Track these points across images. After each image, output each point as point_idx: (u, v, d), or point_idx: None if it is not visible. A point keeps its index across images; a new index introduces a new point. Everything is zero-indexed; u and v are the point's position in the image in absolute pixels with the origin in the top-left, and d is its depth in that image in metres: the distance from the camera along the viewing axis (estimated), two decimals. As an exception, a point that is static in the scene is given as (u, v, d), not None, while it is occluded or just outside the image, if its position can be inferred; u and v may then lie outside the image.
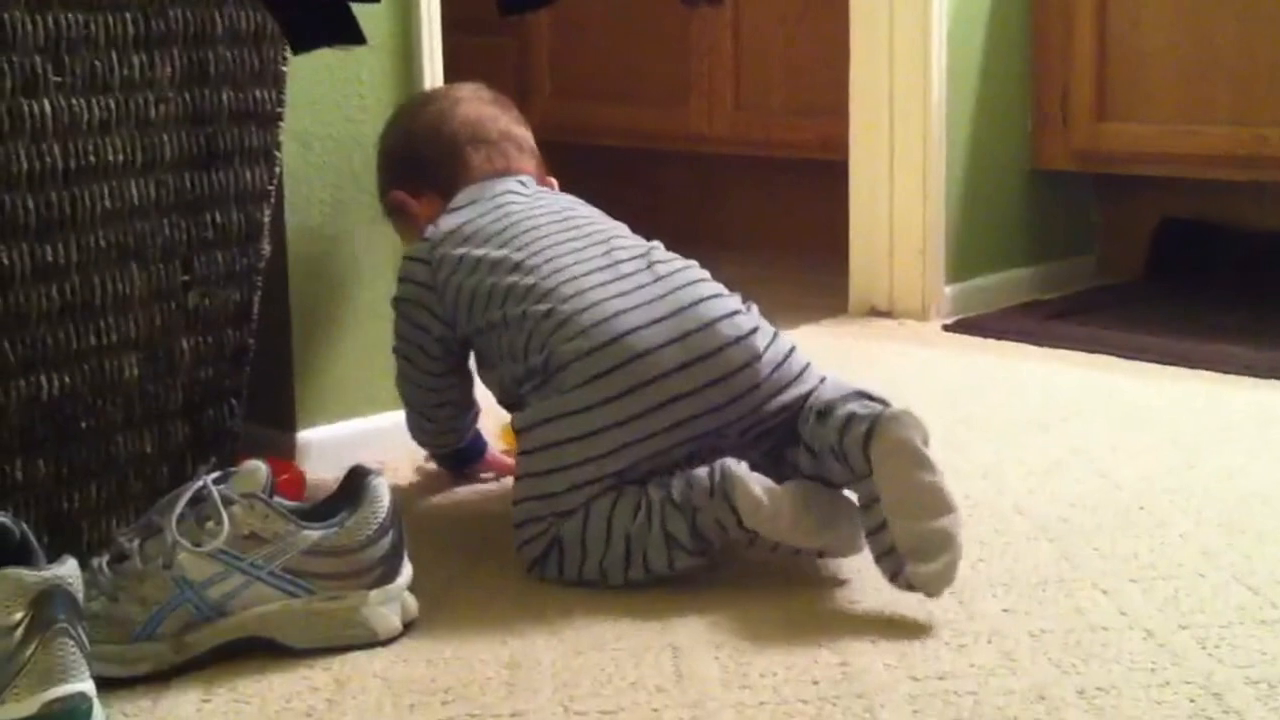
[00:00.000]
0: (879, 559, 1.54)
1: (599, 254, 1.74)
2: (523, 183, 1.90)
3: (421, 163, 1.93)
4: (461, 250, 1.77)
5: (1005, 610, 1.53)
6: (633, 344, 1.62)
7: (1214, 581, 1.61)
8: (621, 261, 1.73)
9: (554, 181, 1.99)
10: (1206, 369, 2.55)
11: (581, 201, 1.88)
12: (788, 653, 1.45)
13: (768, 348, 1.66)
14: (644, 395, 1.61)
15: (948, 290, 3.04)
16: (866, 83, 3.02)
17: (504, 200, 1.84)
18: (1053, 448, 2.11)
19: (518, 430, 1.70)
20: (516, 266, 1.72)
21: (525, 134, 1.99)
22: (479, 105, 1.97)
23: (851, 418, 1.56)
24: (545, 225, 1.78)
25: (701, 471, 1.59)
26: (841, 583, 1.62)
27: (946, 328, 2.92)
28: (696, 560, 1.60)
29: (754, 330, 1.66)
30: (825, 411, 1.60)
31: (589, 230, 1.79)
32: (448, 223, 1.82)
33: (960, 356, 2.71)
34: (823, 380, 1.69)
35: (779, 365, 1.66)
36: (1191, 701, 1.32)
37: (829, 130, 3.27)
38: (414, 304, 1.81)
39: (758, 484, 1.56)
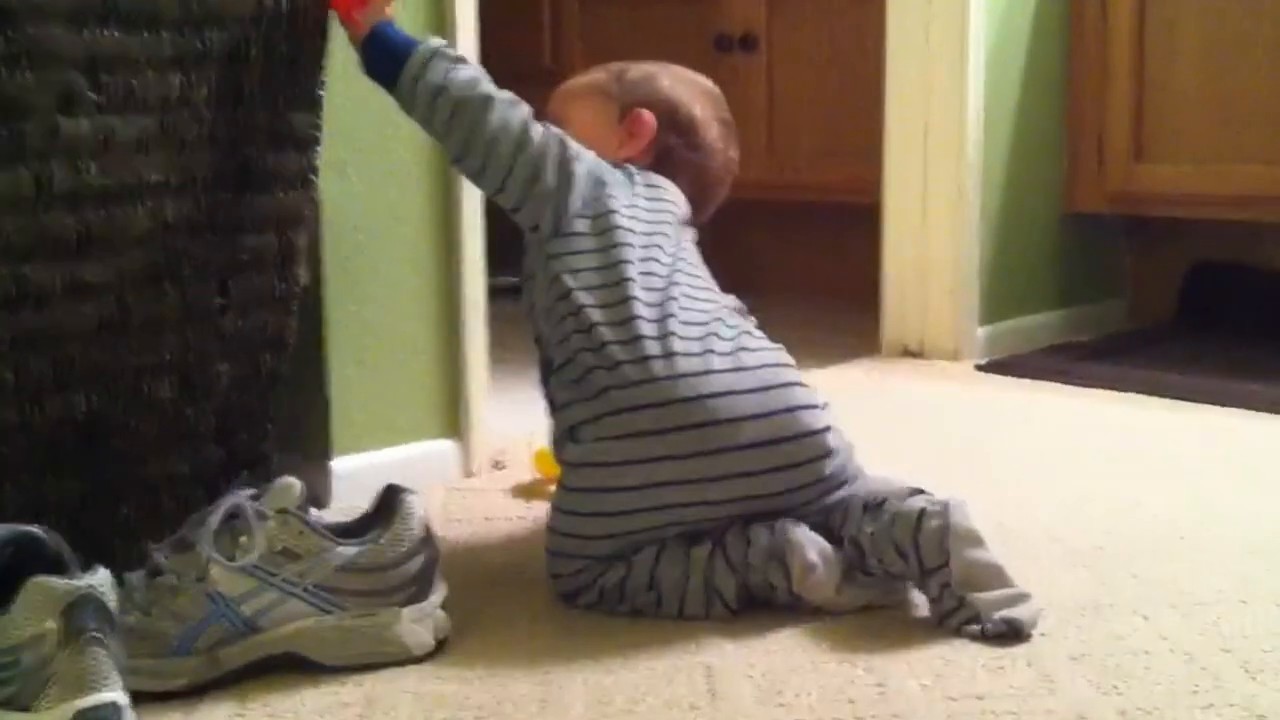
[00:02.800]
0: (959, 630, 1.53)
1: (704, 311, 1.67)
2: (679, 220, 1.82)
3: (688, 143, 1.89)
4: (600, 235, 1.70)
5: (1042, 634, 1.52)
6: (716, 408, 1.57)
7: (1255, 608, 1.59)
8: (721, 322, 1.66)
9: None
10: (1237, 406, 2.55)
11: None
12: (822, 672, 1.43)
13: (838, 447, 1.64)
14: (714, 461, 1.57)
15: (980, 332, 3.05)
16: (901, 125, 3.04)
17: (661, 216, 1.78)
18: (1086, 480, 2.10)
19: (565, 463, 1.64)
20: (611, 303, 1.64)
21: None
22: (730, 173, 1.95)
23: (924, 513, 1.53)
24: (667, 270, 1.70)
25: (762, 531, 1.58)
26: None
27: (979, 368, 2.93)
28: (731, 612, 1.58)
29: (828, 429, 1.63)
30: (877, 507, 1.58)
31: (705, 290, 1.73)
32: (626, 194, 1.76)
33: (993, 394, 2.71)
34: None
35: (843, 466, 1.64)
36: (1235, 722, 1.31)
37: (860, 173, 3.28)
38: (584, 166, 1.74)
39: (814, 549, 1.56)
